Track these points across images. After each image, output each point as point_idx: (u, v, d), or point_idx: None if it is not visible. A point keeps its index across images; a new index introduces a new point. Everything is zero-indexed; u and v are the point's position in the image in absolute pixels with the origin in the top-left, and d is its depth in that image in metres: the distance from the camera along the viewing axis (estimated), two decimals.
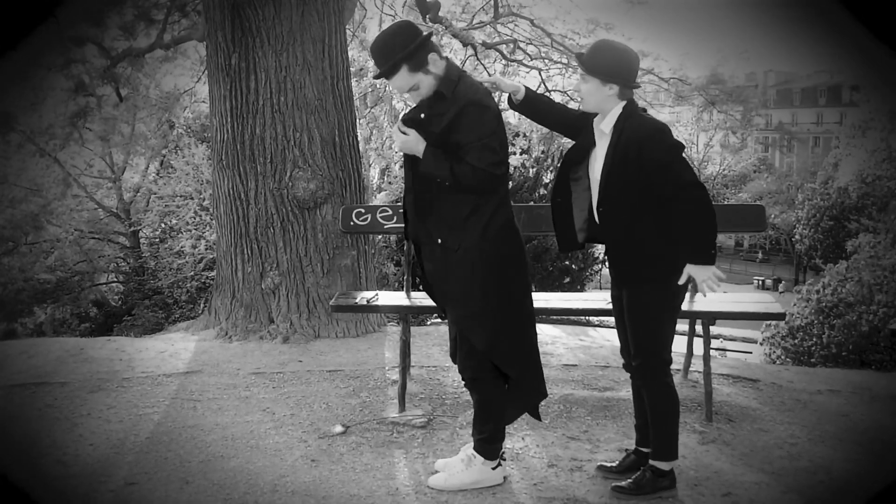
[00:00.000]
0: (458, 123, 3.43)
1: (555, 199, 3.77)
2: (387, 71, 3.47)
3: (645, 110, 3.58)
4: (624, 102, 3.54)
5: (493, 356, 3.60)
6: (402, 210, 5.21)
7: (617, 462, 3.90)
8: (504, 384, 3.70)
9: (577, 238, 3.75)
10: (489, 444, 3.73)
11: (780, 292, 21.56)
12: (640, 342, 3.61)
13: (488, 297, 3.55)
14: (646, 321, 3.58)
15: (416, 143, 3.54)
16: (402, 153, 3.74)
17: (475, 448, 3.75)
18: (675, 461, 3.68)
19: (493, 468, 3.74)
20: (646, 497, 3.61)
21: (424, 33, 3.50)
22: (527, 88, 3.86)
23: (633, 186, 3.46)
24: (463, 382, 3.83)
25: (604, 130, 3.56)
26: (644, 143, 3.41)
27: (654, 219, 3.48)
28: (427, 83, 3.50)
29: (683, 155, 3.46)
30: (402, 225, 5.19)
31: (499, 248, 3.55)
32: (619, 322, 3.79)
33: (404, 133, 3.57)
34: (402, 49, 3.44)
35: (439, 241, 3.58)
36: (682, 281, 3.45)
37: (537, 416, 3.87)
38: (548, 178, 25.49)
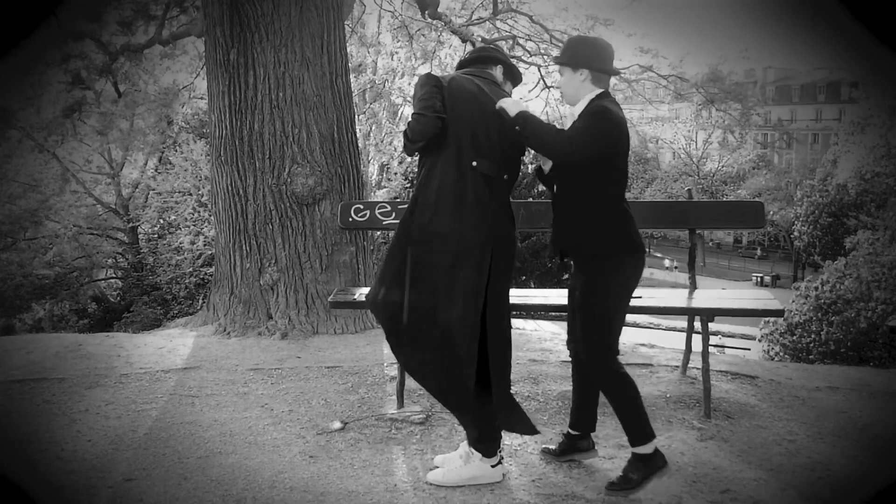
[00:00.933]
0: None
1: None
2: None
3: (618, 105, 3.65)
4: (598, 91, 3.62)
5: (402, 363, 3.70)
6: (402, 206, 5.24)
7: (556, 445, 4.03)
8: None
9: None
10: (483, 444, 3.72)
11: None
12: (589, 328, 3.62)
13: (412, 282, 3.60)
14: (597, 306, 3.61)
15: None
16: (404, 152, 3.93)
17: (472, 445, 3.75)
18: (654, 440, 3.65)
19: (493, 465, 3.74)
20: (641, 485, 3.60)
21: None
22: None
23: (584, 168, 3.54)
24: None
25: (574, 114, 3.64)
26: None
27: (608, 197, 3.58)
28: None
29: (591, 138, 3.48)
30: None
31: (426, 220, 3.60)
32: (572, 314, 3.82)
33: None
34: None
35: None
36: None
37: (531, 431, 3.83)
38: None
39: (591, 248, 3.60)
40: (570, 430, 3.99)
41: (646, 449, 3.62)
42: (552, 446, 4.05)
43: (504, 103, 3.60)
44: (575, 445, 3.97)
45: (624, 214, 3.62)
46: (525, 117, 3.51)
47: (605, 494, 3.63)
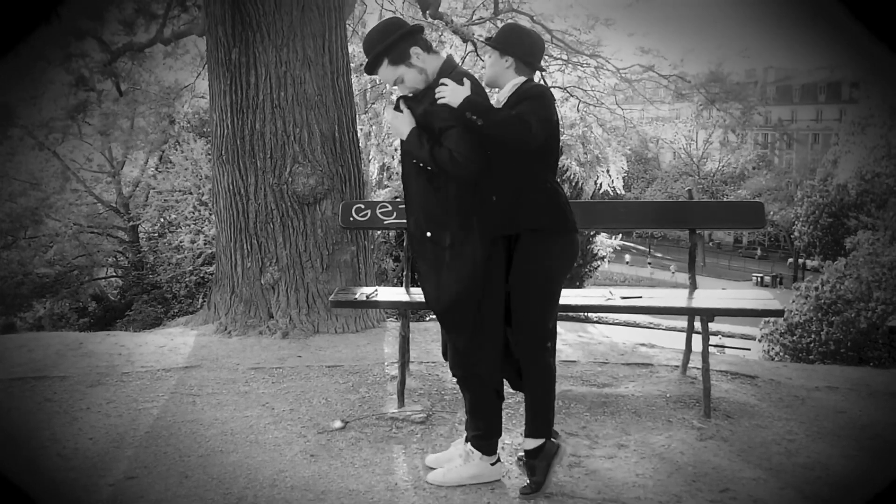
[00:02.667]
0: (435, 108, 3.49)
1: None
2: (368, 65, 3.59)
3: (547, 90, 3.66)
4: (522, 79, 3.65)
5: (469, 358, 3.65)
6: (402, 205, 5.24)
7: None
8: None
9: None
10: (485, 441, 3.73)
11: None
12: (522, 311, 3.63)
13: (472, 296, 3.57)
14: (531, 288, 3.61)
15: (402, 123, 3.59)
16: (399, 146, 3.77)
17: (472, 444, 3.75)
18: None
19: (492, 464, 3.75)
20: (547, 478, 3.61)
21: (406, 28, 3.56)
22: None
23: (526, 154, 3.54)
24: (455, 380, 3.84)
25: (500, 101, 3.65)
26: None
27: (545, 181, 3.60)
28: (411, 76, 3.56)
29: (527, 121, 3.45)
30: (402, 221, 5.22)
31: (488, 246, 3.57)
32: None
33: (400, 112, 3.63)
34: (378, 45, 3.53)
35: (428, 234, 3.61)
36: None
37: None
38: None
39: (531, 225, 3.59)
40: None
41: (535, 442, 3.65)
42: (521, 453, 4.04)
43: (446, 92, 3.45)
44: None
45: (558, 192, 3.66)
46: (476, 104, 3.42)
47: (519, 499, 3.61)
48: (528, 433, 3.68)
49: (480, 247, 3.54)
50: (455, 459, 3.79)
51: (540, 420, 3.68)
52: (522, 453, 3.82)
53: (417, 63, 3.54)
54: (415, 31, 3.57)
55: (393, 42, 3.52)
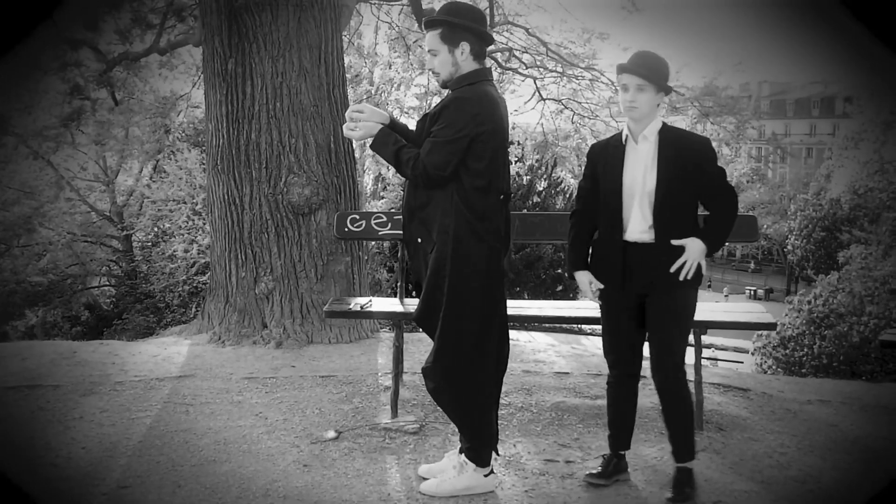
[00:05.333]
0: (439, 114, 3.54)
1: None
2: (429, 21, 3.65)
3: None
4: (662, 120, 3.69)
5: (436, 370, 3.64)
6: (397, 216, 5.25)
7: (600, 468, 3.90)
8: (475, 392, 3.68)
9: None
10: (478, 452, 3.73)
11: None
12: (671, 346, 3.75)
13: (449, 305, 3.57)
14: (680, 325, 3.74)
15: (368, 126, 3.66)
16: None
17: (467, 455, 3.76)
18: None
19: (486, 475, 3.74)
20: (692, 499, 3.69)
21: (476, 27, 3.60)
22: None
23: (690, 195, 3.61)
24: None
25: (647, 136, 3.62)
26: (702, 157, 3.57)
27: (694, 224, 3.65)
28: (442, 59, 3.62)
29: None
30: (397, 232, 5.24)
31: (469, 255, 3.56)
32: (623, 332, 3.92)
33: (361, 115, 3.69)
34: (447, 15, 3.60)
35: (419, 240, 3.65)
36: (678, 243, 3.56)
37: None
38: (541, 186, 25.55)
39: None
40: (617, 452, 3.94)
41: (692, 464, 3.74)
42: (595, 470, 3.91)
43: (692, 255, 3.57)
44: (620, 465, 3.92)
45: None
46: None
47: None
48: (686, 457, 3.72)
49: (454, 256, 3.54)
50: (448, 470, 3.80)
51: (693, 440, 3.74)
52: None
53: (458, 56, 3.59)
54: (479, 34, 3.61)
55: (458, 24, 3.57)
